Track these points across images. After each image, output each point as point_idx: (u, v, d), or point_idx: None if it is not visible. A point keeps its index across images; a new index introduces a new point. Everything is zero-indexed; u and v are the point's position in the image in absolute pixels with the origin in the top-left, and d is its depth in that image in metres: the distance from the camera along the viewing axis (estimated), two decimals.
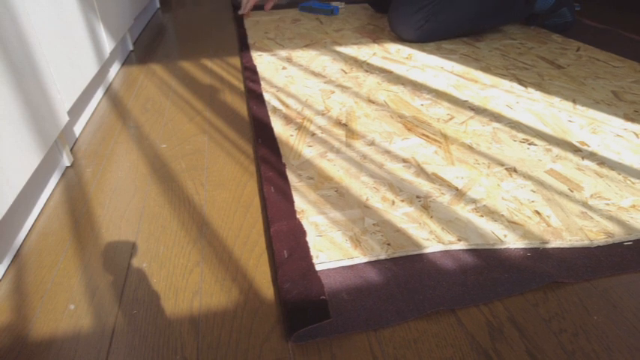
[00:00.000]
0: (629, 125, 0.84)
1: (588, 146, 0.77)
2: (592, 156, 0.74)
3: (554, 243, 0.55)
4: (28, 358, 0.44)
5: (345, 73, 1.11)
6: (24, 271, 0.54)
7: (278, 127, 0.85)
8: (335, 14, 1.46)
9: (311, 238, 0.56)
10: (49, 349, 0.45)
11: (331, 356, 0.43)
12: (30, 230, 0.61)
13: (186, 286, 0.52)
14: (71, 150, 0.80)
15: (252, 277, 0.53)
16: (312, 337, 0.44)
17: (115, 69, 1.16)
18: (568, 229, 0.57)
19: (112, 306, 0.49)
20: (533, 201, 0.63)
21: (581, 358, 0.43)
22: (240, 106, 0.96)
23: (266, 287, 0.51)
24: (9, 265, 0.55)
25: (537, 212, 0.60)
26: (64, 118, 0.73)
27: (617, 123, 0.85)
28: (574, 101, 0.94)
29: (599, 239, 0.56)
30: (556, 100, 0.95)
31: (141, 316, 0.48)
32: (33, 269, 0.55)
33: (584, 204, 0.62)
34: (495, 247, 0.55)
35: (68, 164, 0.76)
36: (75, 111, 0.86)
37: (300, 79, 1.08)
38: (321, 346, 0.44)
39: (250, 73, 1.12)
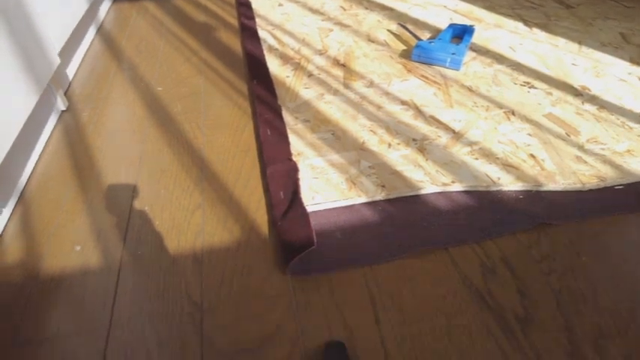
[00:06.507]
0: (635, 69, 0.82)
1: (590, 90, 0.76)
2: (592, 100, 0.74)
3: (547, 186, 0.56)
4: (41, 293, 0.46)
5: (345, 10, 1.07)
6: (29, 214, 0.56)
7: (274, 66, 0.83)
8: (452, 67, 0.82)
9: (307, 180, 0.57)
10: (60, 285, 0.47)
11: (330, 292, 0.46)
12: (31, 174, 0.62)
13: (188, 227, 0.53)
14: (65, 94, 0.79)
15: (252, 218, 0.54)
16: (306, 273, 0.47)
17: (105, 7, 1.11)
18: (561, 173, 0.58)
19: (116, 246, 0.51)
20: (529, 144, 0.63)
21: (567, 295, 0.45)
22: (237, 45, 0.94)
23: (266, 228, 0.53)
24: (14, 207, 0.57)
25: (532, 155, 0.61)
26: (56, 60, 0.71)
27: (622, 66, 0.83)
28: (580, 43, 0.92)
29: (592, 183, 0.57)
30: (561, 42, 0.92)
31: (146, 256, 0.50)
32: (37, 212, 0.56)
33: (580, 148, 0.63)
34: (489, 189, 0.56)
35: (64, 108, 0.75)
36: (66, 53, 0.83)
37: (297, 16, 1.04)
38: (320, 283, 0.47)
39: (245, 9, 1.07)
